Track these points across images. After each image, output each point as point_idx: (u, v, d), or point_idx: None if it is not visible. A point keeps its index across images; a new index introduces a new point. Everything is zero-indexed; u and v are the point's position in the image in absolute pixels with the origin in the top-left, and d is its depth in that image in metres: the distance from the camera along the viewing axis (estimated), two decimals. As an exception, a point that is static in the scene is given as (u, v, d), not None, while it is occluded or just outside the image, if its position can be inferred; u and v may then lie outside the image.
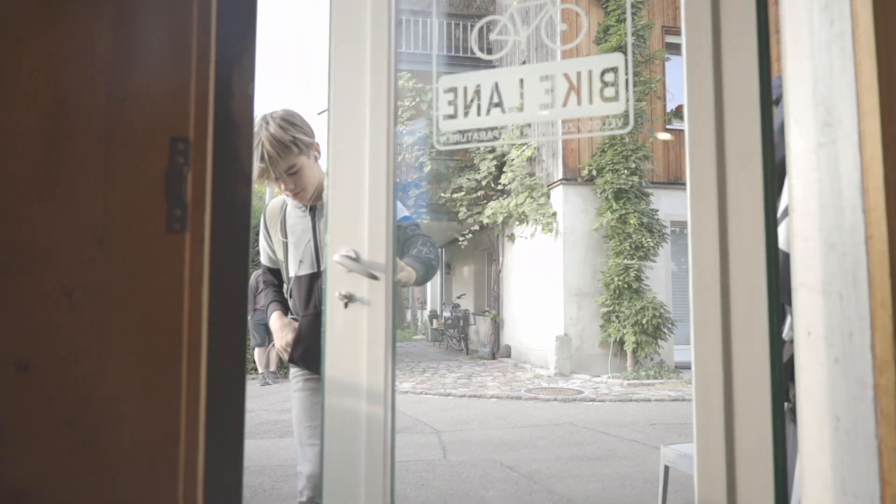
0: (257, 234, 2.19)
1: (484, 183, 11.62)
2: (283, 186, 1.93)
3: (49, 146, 0.78)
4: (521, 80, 1.45)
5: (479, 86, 1.44)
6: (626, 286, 8.75)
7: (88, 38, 0.80)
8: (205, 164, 0.83)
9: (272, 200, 2.13)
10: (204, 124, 0.83)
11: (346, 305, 1.36)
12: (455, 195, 11.62)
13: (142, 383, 0.79)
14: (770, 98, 1.24)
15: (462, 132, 1.46)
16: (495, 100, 1.44)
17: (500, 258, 12.44)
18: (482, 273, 14.53)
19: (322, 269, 1.93)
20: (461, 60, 13.08)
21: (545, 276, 9.94)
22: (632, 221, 8.73)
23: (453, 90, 1.46)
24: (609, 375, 8.56)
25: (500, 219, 11.18)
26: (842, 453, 1.08)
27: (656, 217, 9.01)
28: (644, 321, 8.39)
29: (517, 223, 11.20)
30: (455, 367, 10.38)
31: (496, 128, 1.48)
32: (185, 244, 0.80)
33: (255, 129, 1.90)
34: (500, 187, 11.39)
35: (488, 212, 11.25)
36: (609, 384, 8.16)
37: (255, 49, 0.97)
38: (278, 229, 2.06)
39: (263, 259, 2.15)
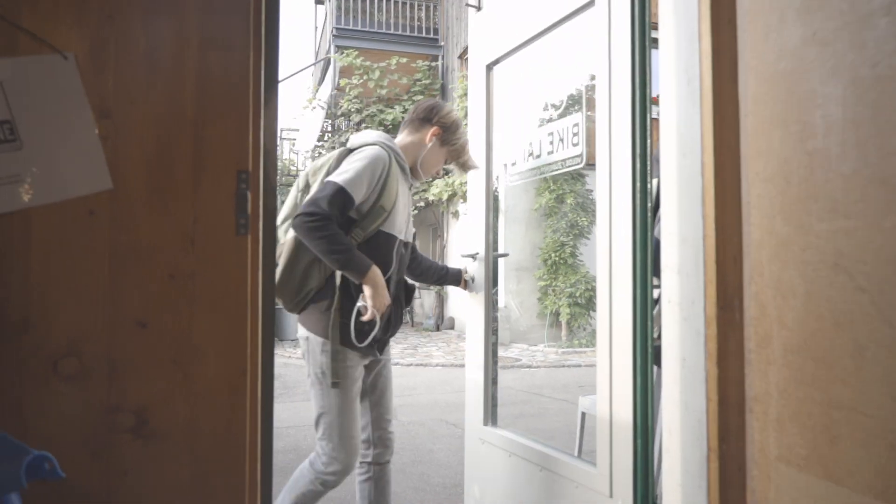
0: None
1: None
2: (441, 168, 2.21)
3: (157, 177, 1.16)
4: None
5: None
6: (562, 261, 9.39)
7: (180, 103, 1.18)
8: (258, 187, 1.22)
9: (390, 150, 2.02)
10: (257, 159, 1.23)
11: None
12: (403, 174, 11.95)
13: (220, 334, 1.19)
14: (646, 131, 1.72)
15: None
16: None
17: (445, 234, 12.91)
18: (427, 248, 14.98)
19: (409, 240, 2.10)
20: (411, 40, 13.32)
21: (487, 251, 10.45)
22: (568, 201, 9.34)
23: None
24: (545, 344, 9.22)
25: (445, 196, 11.61)
26: (685, 382, 1.59)
27: (591, 197, 9.66)
28: (578, 294, 9.07)
29: (461, 201, 11.67)
30: (402, 339, 10.85)
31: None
32: (247, 243, 1.20)
33: (456, 115, 2.17)
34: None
35: (434, 190, 11.66)
36: (545, 352, 8.81)
37: (278, 91, 1.36)
38: (396, 180, 2.00)
39: (357, 196, 1.88)
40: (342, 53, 12.66)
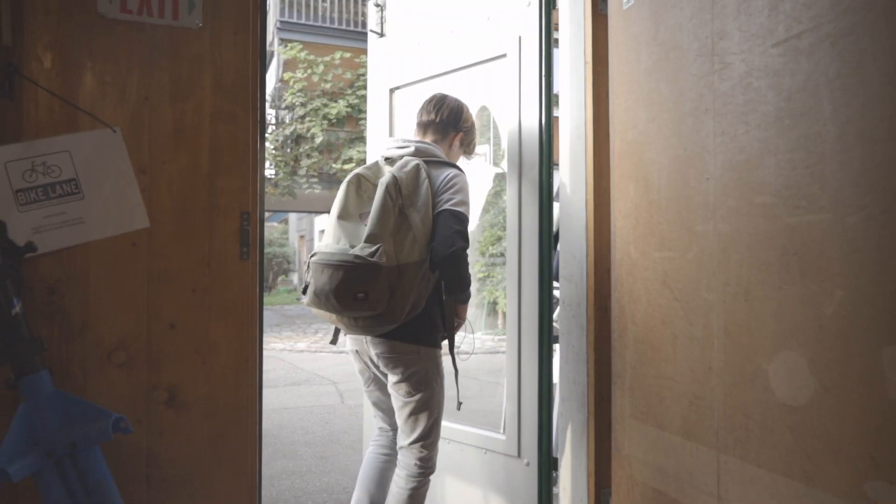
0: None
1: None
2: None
3: (182, 217, 1.58)
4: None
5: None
6: (499, 254, 9.98)
7: (198, 162, 1.60)
8: (257, 223, 1.66)
9: (457, 171, 2.02)
10: (255, 202, 1.66)
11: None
12: (346, 166, 12.26)
13: (229, 333, 1.63)
14: (549, 170, 2.22)
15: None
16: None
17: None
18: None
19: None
20: (355, 34, 13.55)
21: (429, 244, 10.94)
22: (505, 197, 9.91)
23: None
24: (483, 332, 9.80)
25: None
26: (574, 364, 2.12)
27: (526, 194, 10.26)
28: (513, 285, 9.67)
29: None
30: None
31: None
32: (248, 266, 1.64)
33: (467, 111, 2.12)
34: (388, 159, 12.16)
35: (349, 165, 11.95)
36: (482, 339, 9.39)
37: (265, 147, 1.78)
38: None
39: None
40: (286, 46, 12.81)
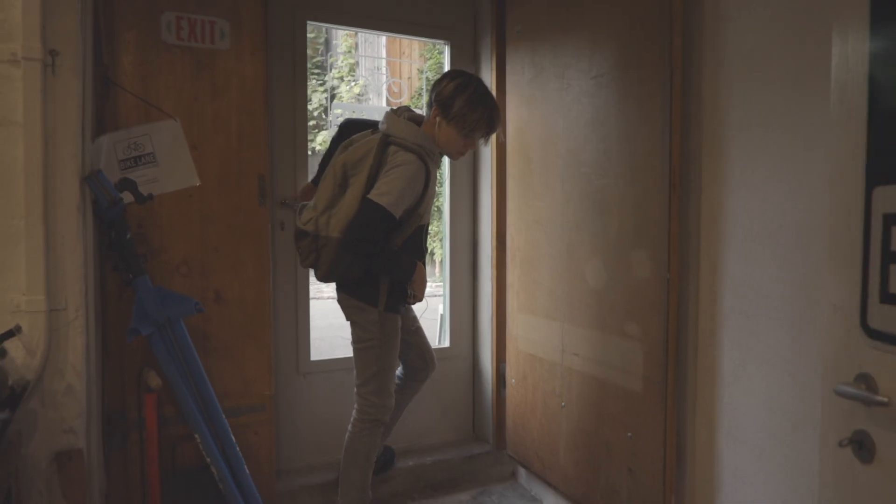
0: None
1: (315, 114, 12.89)
2: (468, 147, 2.18)
3: (221, 178, 2.40)
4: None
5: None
6: (436, 209, 10.86)
7: (229, 142, 2.41)
8: (268, 181, 2.48)
9: (423, 155, 2.09)
10: (267, 168, 2.48)
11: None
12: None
13: (253, 254, 2.46)
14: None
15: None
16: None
17: (331, 182, 13.90)
18: (313, 194, 15.85)
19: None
20: None
21: (371, 199, 11.68)
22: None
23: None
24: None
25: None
26: (485, 281, 3.06)
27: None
28: (449, 236, 10.62)
29: (346, 152, 12.71)
30: (293, 278, 11.88)
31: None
32: (264, 211, 2.48)
33: (483, 95, 2.11)
34: (330, 118, 12.75)
35: (319, 139, 12.60)
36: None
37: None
38: (432, 186, 2.18)
39: (398, 212, 2.02)
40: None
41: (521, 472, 2.96)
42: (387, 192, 1.99)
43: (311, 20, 2.79)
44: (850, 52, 1.14)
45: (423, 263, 2.19)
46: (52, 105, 1.83)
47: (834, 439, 1.17)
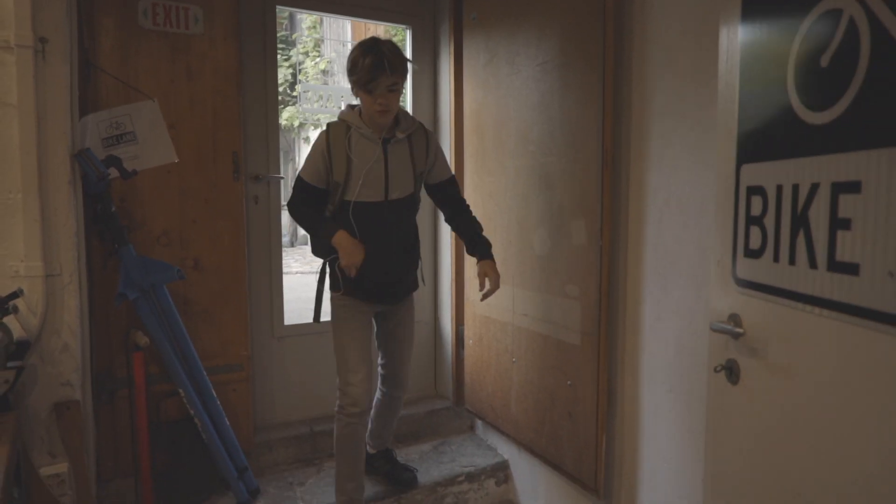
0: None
1: (281, 89, 12.87)
2: (378, 101, 2.05)
3: (197, 155, 2.58)
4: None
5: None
6: (402, 184, 11.04)
7: (205, 121, 2.59)
8: (241, 157, 2.67)
9: (332, 124, 2.20)
10: (240, 145, 2.67)
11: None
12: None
13: (228, 226, 2.67)
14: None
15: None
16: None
17: (297, 157, 13.97)
18: (282, 170, 15.85)
19: (390, 199, 2.17)
20: None
21: (337, 175, 11.79)
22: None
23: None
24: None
25: (296, 122, 12.64)
26: (446, 255, 3.32)
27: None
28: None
29: (312, 128, 12.78)
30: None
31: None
32: (238, 186, 2.67)
33: (365, 46, 2.05)
34: (295, 94, 12.75)
35: (285, 115, 12.62)
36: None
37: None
38: (343, 151, 2.14)
39: (312, 179, 2.16)
40: None
41: (478, 423, 3.26)
42: (303, 166, 2.23)
43: (280, 5, 2.96)
44: (728, 48, 1.41)
45: (379, 246, 2.17)
46: (42, 88, 1.99)
47: (713, 368, 1.46)
